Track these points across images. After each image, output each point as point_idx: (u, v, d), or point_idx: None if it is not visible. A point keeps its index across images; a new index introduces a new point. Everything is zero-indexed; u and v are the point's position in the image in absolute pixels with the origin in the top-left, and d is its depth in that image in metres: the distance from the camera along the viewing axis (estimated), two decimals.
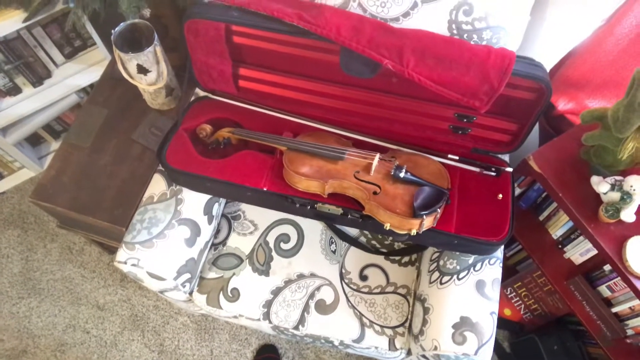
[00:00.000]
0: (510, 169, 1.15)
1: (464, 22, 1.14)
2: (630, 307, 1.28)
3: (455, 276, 1.11)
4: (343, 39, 1.00)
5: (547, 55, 1.33)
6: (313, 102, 1.21)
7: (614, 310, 1.34)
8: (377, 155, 1.07)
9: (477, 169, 1.14)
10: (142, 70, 1.23)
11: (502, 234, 1.05)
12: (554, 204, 1.39)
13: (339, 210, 1.07)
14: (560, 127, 1.47)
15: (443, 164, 1.14)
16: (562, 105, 1.44)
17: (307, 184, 1.06)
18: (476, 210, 1.09)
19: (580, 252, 1.38)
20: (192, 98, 1.27)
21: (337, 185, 1.06)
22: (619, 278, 1.27)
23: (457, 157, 1.16)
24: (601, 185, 1.13)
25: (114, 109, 1.43)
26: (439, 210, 1.00)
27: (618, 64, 1.24)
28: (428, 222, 0.99)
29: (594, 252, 1.33)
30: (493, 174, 1.14)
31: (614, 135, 1.07)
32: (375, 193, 1.02)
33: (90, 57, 1.74)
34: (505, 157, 1.21)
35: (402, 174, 1.03)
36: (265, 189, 1.10)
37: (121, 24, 1.22)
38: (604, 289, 1.35)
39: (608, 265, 1.31)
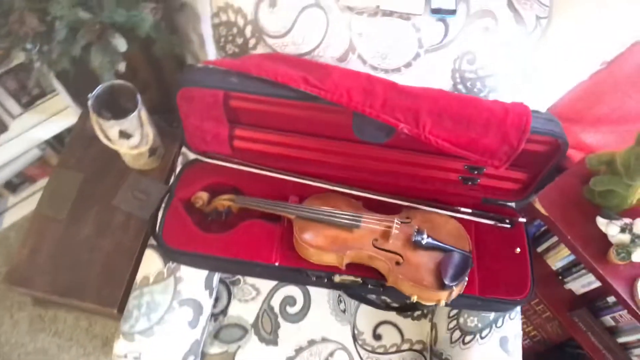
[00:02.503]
0: (523, 220, 1.13)
1: (467, 71, 1.10)
2: (637, 338, 1.30)
3: (477, 335, 1.08)
4: (356, 104, 0.94)
5: (546, 94, 1.32)
6: (316, 160, 1.14)
7: (620, 340, 1.35)
8: (396, 220, 1.01)
9: (490, 222, 1.11)
10: (124, 135, 1.12)
11: (525, 291, 1.03)
12: (554, 238, 1.39)
13: (358, 281, 1.01)
14: None
15: (456, 218, 1.10)
16: None
17: (322, 256, 0.99)
18: (496, 268, 1.06)
19: (582, 284, 1.39)
20: (181, 161, 1.16)
21: (355, 255, 0.99)
22: (625, 311, 1.29)
23: (469, 210, 1.12)
24: (610, 228, 1.13)
25: (90, 172, 1.29)
26: (466, 278, 0.96)
27: (614, 103, 1.25)
28: (457, 291, 0.95)
29: (597, 284, 1.34)
30: (507, 225, 1.11)
31: (624, 181, 1.07)
32: (397, 263, 0.97)
33: (50, 106, 1.58)
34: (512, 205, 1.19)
35: (424, 240, 0.98)
36: (277, 264, 1.02)
37: (99, 87, 1.09)
38: (607, 319, 1.37)
39: (612, 297, 1.32)
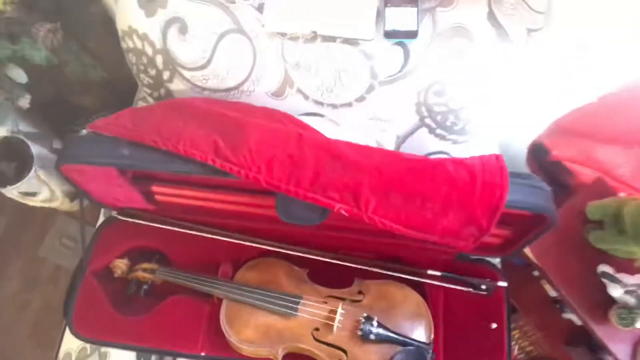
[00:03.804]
0: (504, 284, 0.94)
1: (435, 104, 0.87)
2: None
3: None
4: (277, 182, 0.73)
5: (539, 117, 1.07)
6: (253, 214, 0.95)
7: None
8: (340, 306, 0.84)
9: (464, 288, 0.93)
10: (28, 194, 0.95)
11: None
12: None
13: None
14: (555, 174, 1.24)
15: (422, 284, 0.92)
16: (559, 151, 1.20)
17: (253, 350, 0.84)
18: (466, 348, 0.89)
19: None
20: (99, 221, 1.00)
21: (292, 347, 0.84)
22: None
23: (438, 273, 0.93)
24: (613, 289, 0.94)
25: (11, 217, 1.14)
26: None
27: (632, 123, 0.99)
28: None
29: None
30: (484, 292, 0.92)
31: (632, 246, 0.87)
32: None
33: None
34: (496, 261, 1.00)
35: (373, 331, 0.81)
36: (203, 354, 0.87)
37: None
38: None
39: None
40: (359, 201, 0.73)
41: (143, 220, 0.95)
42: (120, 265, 0.94)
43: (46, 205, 1.02)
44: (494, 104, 0.91)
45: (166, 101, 0.84)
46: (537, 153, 1.20)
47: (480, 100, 0.88)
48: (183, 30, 0.85)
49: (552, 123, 1.16)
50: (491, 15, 0.81)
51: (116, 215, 0.96)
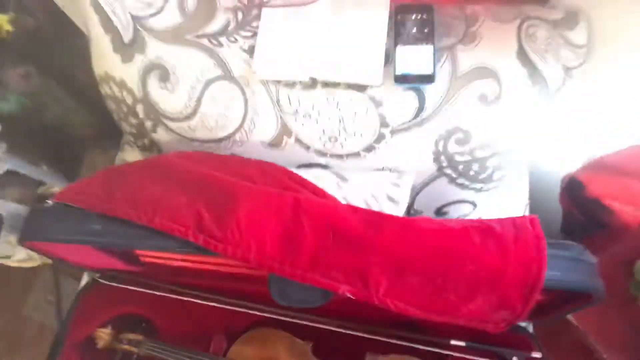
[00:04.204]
0: (538, 355, 0.81)
1: (457, 153, 0.75)
2: None
3: None
4: (270, 262, 0.62)
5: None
6: (249, 275, 0.84)
7: None
8: None
9: None
10: (1, 257, 0.86)
11: None
12: None
13: None
14: (591, 211, 1.11)
15: (444, 357, 0.80)
16: (597, 187, 1.06)
17: None
18: None
19: None
20: (82, 280, 0.90)
21: None
22: None
23: (463, 344, 0.81)
24: None
25: None
26: None
27: None
28: None
29: None
30: None
31: None
32: None
33: None
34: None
35: None
36: None
37: None
38: None
39: None
40: (368, 282, 0.62)
41: (128, 284, 0.85)
42: (103, 335, 0.84)
43: (24, 265, 0.93)
44: (526, 148, 0.79)
45: (144, 161, 0.73)
46: (572, 188, 1.07)
47: (511, 147, 0.76)
48: (164, 77, 0.74)
49: (592, 159, 1.03)
50: (521, 53, 0.69)
51: (98, 279, 0.87)
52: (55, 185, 1.46)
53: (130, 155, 0.96)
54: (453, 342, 0.81)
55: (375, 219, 0.65)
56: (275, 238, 0.63)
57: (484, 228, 0.64)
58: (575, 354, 1.10)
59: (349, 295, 0.63)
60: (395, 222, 0.64)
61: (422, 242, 0.62)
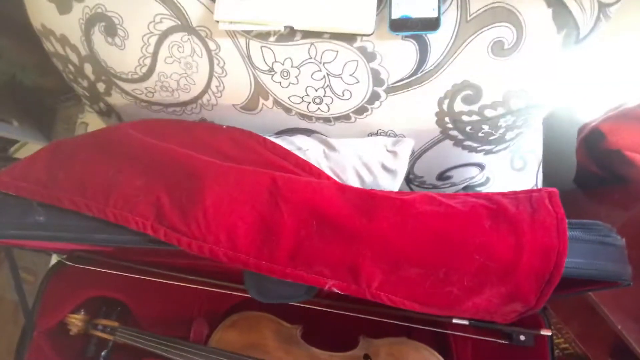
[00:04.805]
0: (548, 332, 0.75)
1: (465, 113, 0.64)
2: None
3: None
4: (244, 257, 0.53)
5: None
6: None
7: None
8: None
9: (498, 340, 0.74)
10: None
11: None
12: None
13: None
14: (611, 165, 1.00)
15: (445, 336, 0.74)
16: (620, 138, 0.95)
17: None
18: None
19: None
20: (49, 266, 0.82)
21: None
22: None
23: (466, 322, 0.74)
24: None
25: None
26: None
27: None
28: None
29: None
30: (523, 343, 0.74)
31: None
32: None
33: None
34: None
35: None
36: None
37: None
38: None
39: None
40: (359, 277, 0.53)
41: (97, 266, 0.77)
42: (75, 321, 0.77)
43: None
44: (545, 104, 0.67)
45: (96, 136, 0.62)
46: (591, 138, 0.97)
47: (528, 104, 0.64)
48: (111, 31, 0.61)
49: (614, 109, 0.91)
50: None
51: (64, 260, 0.78)
52: (30, 143, 1.36)
53: (92, 118, 0.84)
54: (455, 320, 0.74)
55: (366, 201, 0.55)
56: (248, 228, 0.53)
57: (496, 209, 0.54)
58: (586, 324, 1.05)
59: (337, 290, 0.54)
60: (390, 204, 0.54)
61: (421, 229, 0.53)
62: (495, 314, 0.57)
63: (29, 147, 1.33)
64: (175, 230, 0.53)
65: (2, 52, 0.91)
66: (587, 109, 0.98)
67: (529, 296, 0.53)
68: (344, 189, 0.56)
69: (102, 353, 0.76)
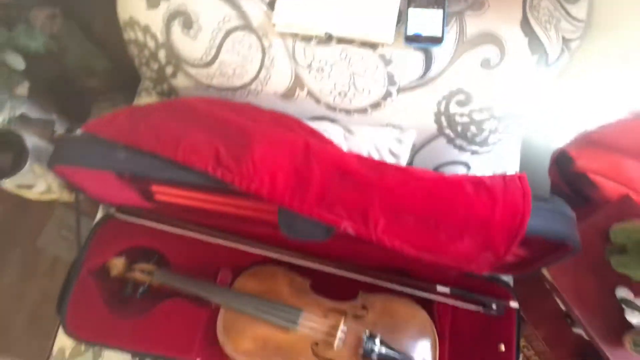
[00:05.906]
0: (515, 305, 0.89)
1: (457, 114, 0.81)
2: None
3: None
4: (281, 196, 0.69)
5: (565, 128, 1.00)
6: (255, 218, 0.91)
7: None
8: (342, 322, 0.80)
9: (473, 307, 0.88)
10: (24, 186, 0.91)
11: None
12: None
13: None
14: (577, 185, 1.18)
15: (429, 301, 0.88)
16: (585, 162, 1.13)
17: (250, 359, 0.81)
18: None
19: None
20: (97, 218, 0.96)
21: None
22: None
23: (447, 290, 0.89)
24: (631, 316, 0.90)
25: (9, 206, 1.11)
26: None
27: None
28: None
29: None
30: (494, 312, 0.88)
31: None
32: None
33: None
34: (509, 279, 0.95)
35: (375, 350, 0.78)
36: None
37: None
38: None
39: None
40: (367, 220, 0.69)
41: (142, 219, 0.91)
42: (117, 264, 0.90)
43: (43, 198, 0.99)
44: (523, 116, 0.85)
45: (167, 102, 0.78)
46: (561, 161, 1.13)
47: (508, 112, 0.82)
48: (187, 24, 0.79)
49: (581, 134, 1.09)
50: (525, 22, 0.74)
51: (114, 213, 0.93)
52: None
53: (147, 101, 1.00)
54: (439, 287, 0.89)
55: (378, 165, 0.71)
56: (286, 175, 0.69)
57: (477, 181, 0.71)
58: (549, 313, 1.18)
59: (350, 230, 0.69)
60: (396, 168, 0.71)
61: (419, 187, 0.69)
62: (473, 263, 0.72)
63: None
64: (230, 171, 0.69)
65: (69, 52, 1.07)
66: (563, 135, 1.15)
67: (500, 247, 0.69)
68: (360, 157, 0.73)
69: (140, 289, 0.89)
